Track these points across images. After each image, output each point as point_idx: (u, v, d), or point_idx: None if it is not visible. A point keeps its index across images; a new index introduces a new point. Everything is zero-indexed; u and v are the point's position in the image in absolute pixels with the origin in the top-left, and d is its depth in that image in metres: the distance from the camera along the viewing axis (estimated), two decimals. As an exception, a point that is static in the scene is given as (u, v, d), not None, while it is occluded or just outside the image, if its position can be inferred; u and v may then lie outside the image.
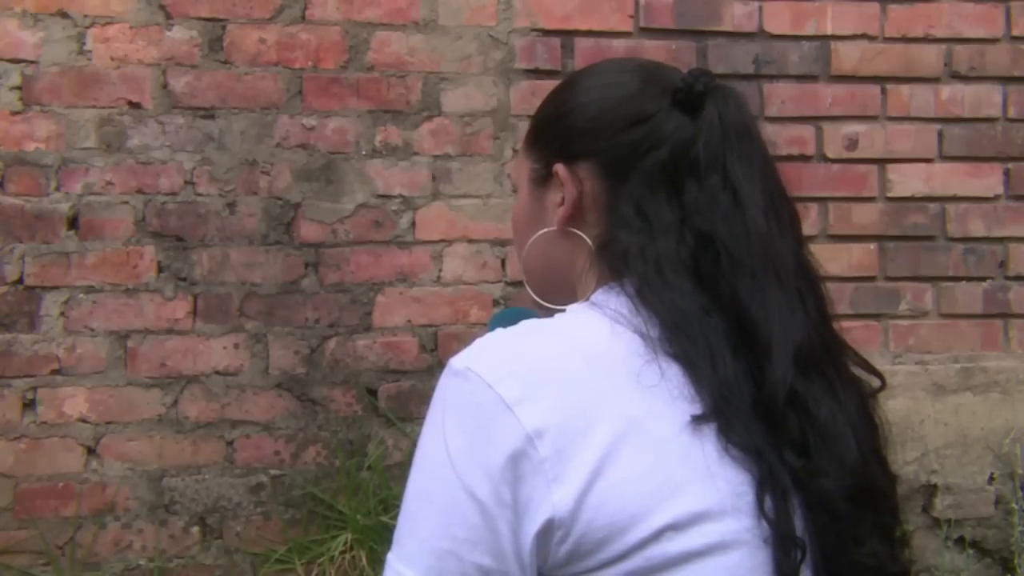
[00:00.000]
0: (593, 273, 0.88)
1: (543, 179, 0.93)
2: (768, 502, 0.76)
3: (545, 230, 0.92)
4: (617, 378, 0.77)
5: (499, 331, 0.81)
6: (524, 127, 2.39)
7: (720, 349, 0.79)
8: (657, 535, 0.74)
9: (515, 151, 2.39)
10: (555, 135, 0.93)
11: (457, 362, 0.78)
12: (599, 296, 0.85)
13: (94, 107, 2.26)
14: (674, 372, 0.78)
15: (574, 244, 0.90)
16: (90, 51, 2.26)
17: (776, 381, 0.79)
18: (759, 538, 0.76)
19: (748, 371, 0.79)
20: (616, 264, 0.85)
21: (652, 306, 0.81)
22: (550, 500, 0.73)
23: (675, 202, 0.85)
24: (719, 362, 0.78)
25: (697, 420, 0.76)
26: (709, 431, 0.76)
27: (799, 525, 0.78)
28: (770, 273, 0.82)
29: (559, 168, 0.90)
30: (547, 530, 0.74)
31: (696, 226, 0.83)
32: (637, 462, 0.74)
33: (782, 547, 0.76)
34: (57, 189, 2.24)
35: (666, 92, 0.88)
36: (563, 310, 0.87)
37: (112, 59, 2.27)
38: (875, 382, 0.91)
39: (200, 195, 2.29)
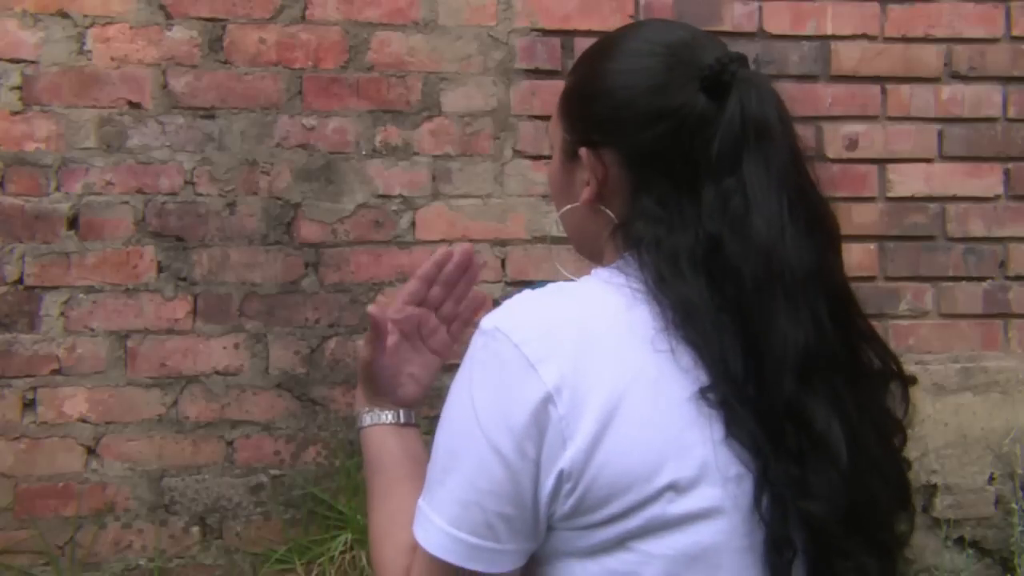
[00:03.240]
0: (615, 243, 0.90)
1: (572, 154, 0.93)
2: (765, 502, 0.78)
3: (572, 206, 0.93)
4: (635, 339, 0.80)
5: (527, 292, 0.84)
6: (524, 127, 2.39)
7: (731, 346, 0.80)
8: (658, 495, 0.77)
9: (515, 151, 2.39)
10: (583, 116, 0.92)
11: (487, 322, 0.82)
12: (619, 264, 0.87)
13: (94, 107, 2.26)
14: (684, 350, 0.80)
15: (603, 218, 0.91)
16: (90, 51, 2.26)
17: (775, 395, 0.80)
18: (754, 513, 0.78)
19: (755, 373, 0.80)
20: (635, 245, 0.86)
21: (665, 296, 0.82)
22: (564, 455, 0.77)
23: (696, 199, 0.85)
24: (729, 359, 0.79)
25: (704, 392, 0.78)
26: (716, 417, 0.78)
27: (793, 521, 0.79)
28: (776, 285, 0.82)
29: (584, 153, 0.90)
30: (558, 482, 0.77)
31: (707, 228, 0.83)
32: (647, 420, 0.77)
33: (775, 548, 0.78)
34: (57, 189, 2.24)
35: (694, 79, 0.86)
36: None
37: (112, 59, 2.27)
38: (908, 380, 0.91)
39: (200, 195, 2.29)
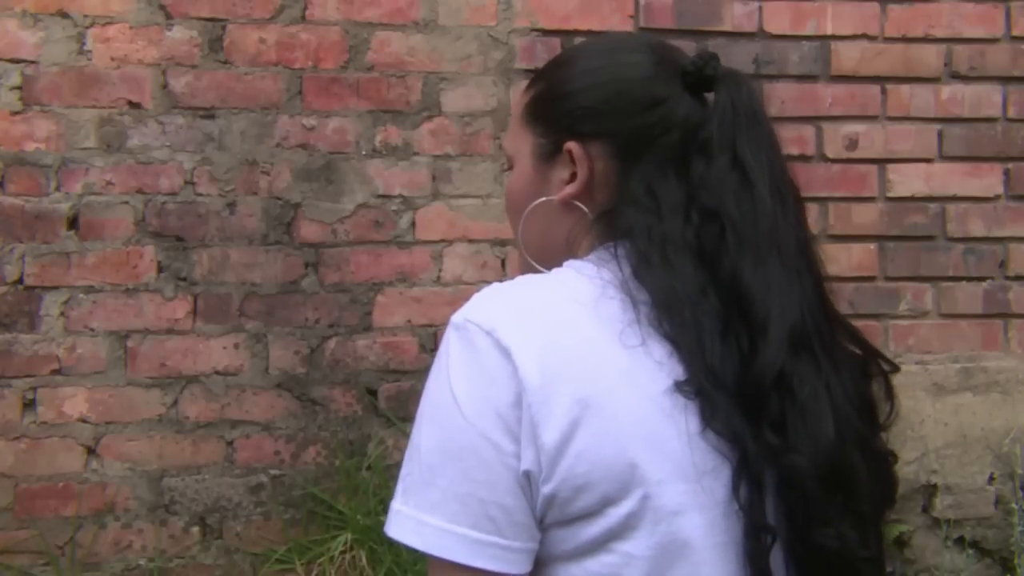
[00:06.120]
0: (589, 237, 0.90)
1: (549, 154, 0.93)
2: (743, 489, 0.78)
3: (544, 199, 0.93)
4: (604, 331, 0.80)
5: (495, 284, 0.85)
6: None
7: (710, 332, 0.81)
8: (634, 488, 0.77)
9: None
10: (564, 112, 0.92)
11: (457, 316, 0.82)
12: (593, 257, 0.88)
13: (94, 107, 2.26)
14: (658, 343, 0.80)
15: (575, 216, 0.91)
16: (90, 51, 2.26)
17: (768, 361, 0.80)
18: (732, 507, 0.79)
19: (738, 350, 0.81)
20: (616, 235, 0.87)
21: (646, 283, 0.83)
22: (538, 441, 0.77)
23: (683, 181, 0.87)
24: (706, 345, 0.80)
25: (679, 387, 0.79)
26: (692, 408, 0.79)
27: (770, 505, 0.80)
28: (773, 251, 0.84)
29: (573, 147, 0.90)
30: (536, 469, 0.77)
31: (702, 202, 0.85)
32: (619, 412, 0.77)
33: (753, 535, 0.78)
34: (57, 189, 2.24)
35: (677, 75, 0.90)
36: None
37: (112, 59, 2.27)
38: (887, 366, 0.92)
39: (200, 195, 2.29)
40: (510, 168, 0.99)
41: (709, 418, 0.78)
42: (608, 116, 0.89)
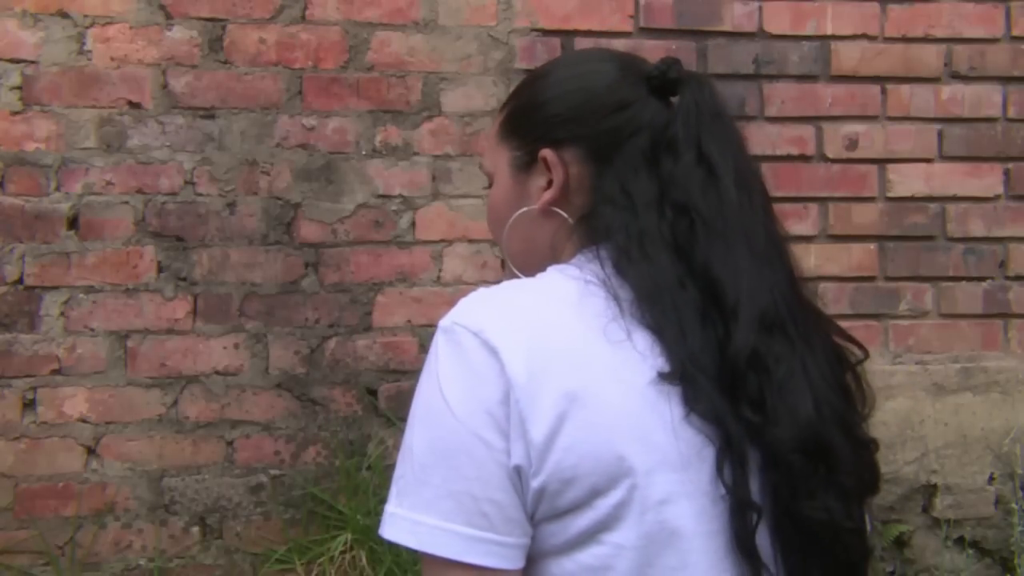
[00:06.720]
0: (572, 243, 0.93)
1: (526, 165, 0.97)
2: (727, 469, 0.80)
3: (526, 209, 0.96)
4: (589, 328, 0.83)
5: (481, 288, 0.88)
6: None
7: (690, 321, 0.83)
8: (621, 479, 0.78)
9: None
10: (537, 123, 0.96)
11: (444, 320, 0.85)
12: (576, 260, 0.90)
13: (94, 107, 2.26)
14: (641, 336, 0.83)
15: (556, 223, 0.94)
16: (90, 51, 2.26)
17: (740, 343, 0.82)
18: (719, 493, 0.81)
19: (715, 337, 0.83)
20: (596, 236, 0.90)
21: (628, 277, 0.85)
22: (526, 437, 0.78)
23: (654, 179, 0.90)
24: (688, 333, 0.83)
25: (664, 377, 0.81)
26: (675, 394, 0.81)
27: (755, 485, 0.81)
28: (741, 240, 0.87)
29: (547, 153, 0.94)
30: (525, 464, 0.79)
31: (673, 197, 0.88)
32: (606, 406, 0.79)
33: (739, 513, 0.80)
34: (57, 189, 2.24)
35: (641, 80, 0.94)
36: None
37: (112, 59, 2.27)
38: (859, 353, 0.95)
39: (200, 195, 2.29)
40: (490, 186, 1.03)
41: (692, 401, 0.80)
42: (578, 121, 0.93)
